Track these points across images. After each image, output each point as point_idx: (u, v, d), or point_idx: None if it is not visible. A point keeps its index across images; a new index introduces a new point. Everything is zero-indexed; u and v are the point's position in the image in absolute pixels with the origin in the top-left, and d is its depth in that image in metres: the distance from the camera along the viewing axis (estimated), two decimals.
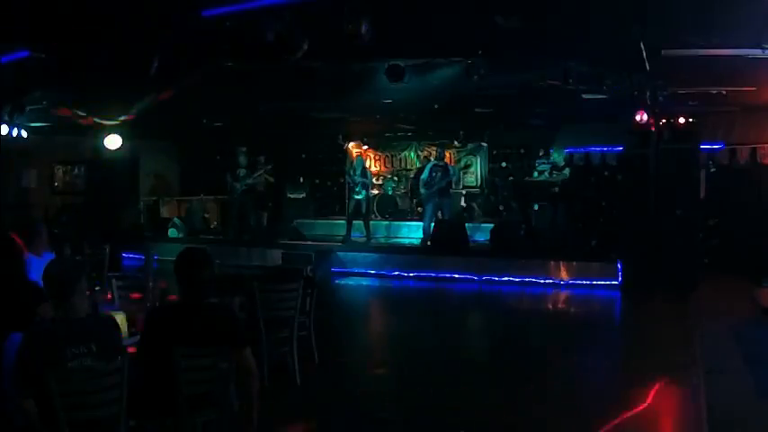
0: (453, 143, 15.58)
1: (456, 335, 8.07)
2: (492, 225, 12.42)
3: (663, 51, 7.25)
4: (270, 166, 13.57)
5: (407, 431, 4.92)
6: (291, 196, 15.79)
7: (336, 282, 11.50)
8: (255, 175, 13.31)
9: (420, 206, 13.95)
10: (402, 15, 6.28)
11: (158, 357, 3.47)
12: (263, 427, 3.52)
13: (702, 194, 11.13)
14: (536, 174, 12.10)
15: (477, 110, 12.23)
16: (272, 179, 13.58)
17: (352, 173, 13.03)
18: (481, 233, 13.26)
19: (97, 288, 5.52)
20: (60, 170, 15.44)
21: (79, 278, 3.32)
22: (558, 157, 11.87)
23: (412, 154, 16.35)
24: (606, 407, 5.26)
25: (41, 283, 3.41)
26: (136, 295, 5.60)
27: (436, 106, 11.72)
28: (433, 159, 13.17)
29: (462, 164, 15.05)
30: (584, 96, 9.04)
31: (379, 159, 16.79)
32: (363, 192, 12.67)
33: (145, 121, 12.40)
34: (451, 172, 12.86)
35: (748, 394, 5.43)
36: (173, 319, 3.56)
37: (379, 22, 5.89)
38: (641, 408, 5.25)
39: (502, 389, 5.82)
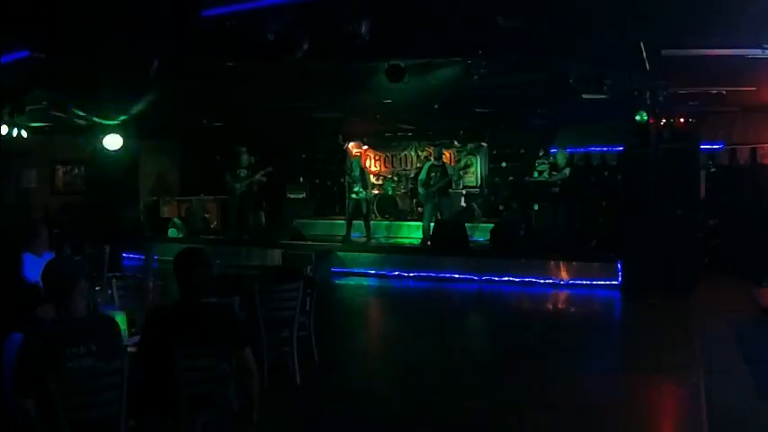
0: (453, 143, 15.57)
1: (456, 335, 8.07)
2: (492, 225, 12.42)
3: (663, 51, 7.24)
4: (270, 168, 13.54)
5: (407, 431, 4.92)
6: (291, 196, 15.78)
7: (336, 282, 11.51)
8: (258, 175, 13.30)
9: (420, 206, 13.96)
10: (402, 15, 6.28)
11: (158, 357, 3.47)
12: (262, 427, 3.52)
13: (702, 194, 11.12)
14: (536, 174, 12.11)
15: (477, 110, 12.23)
16: (264, 179, 13.52)
17: (349, 173, 13.02)
18: (481, 233, 13.26)
19: (97, 288, 5.51)
20: (60, 170, 15.44)
21: (79, 278, 3.32)
22: (561, 158, 11.87)
23: (412, 154, 16.34)
24: (606, 407, 5.27)
25: (41, 283, 3.40)
26: (136, 295, 5.61)
27: (436, 106, 11.71)
28: (431, 159, 13.18)
29: (462, 164, 15.05)
30: (584, 96, 9.03)
31: (379, 159, 16.78)
32: (362, 192, 12.67)
33: (145, 121, 12.41)
34: (450, 172, 12.87)
35: (748, 394, 5.43)
36: (173, 319, 3.56)
37: (379, 22, 5.89)
38: (641, 408, 5.26)
39: (502, 389, 5.82)
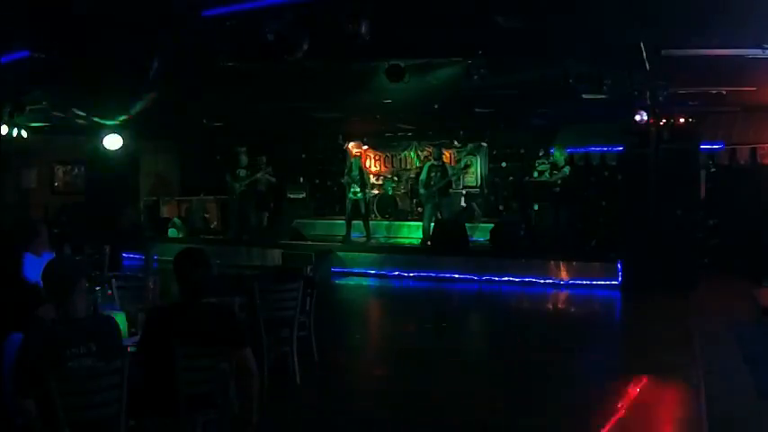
0: (453, 143, 15.58)
1: (456, 335, 8.08)
2: (492, 225, 12.42)
3: (663, 51, 7.24)
4: (269, 168, 13.55)
5: (407, 431, 4.92)
6: (291, 196, 15.78)
7: (336, 282, 11.50)
8: (258, 175, 13.30)
9: (420, 206, 13.96)
10: (402, 15, 6.28)
11: (158, 357, 3.47)
12: (262, 427, 3.52)
13: (702, 194, 11.12)
14: (536, 174, 12.12)
15: (477, 110, 12.23)
16: (273, 179, 13.58)
17: (348, 172, 13.01)
18: (481, 233, 13.26)
19: (97, 288, 5.51)
20: (60, 170, 15.44)
21: (79, 278, 3.32)
22: (559, 156, 11.87)
23: (412, 154, 16.33)
24: (606, 407, 5.27)
25: (41, 283, 3.40)
26: (136, 295, 5.60)
27: (436, 106, 11.71)
28: (431, 159, 13.17)
29: (462, 164, 15.05)
30: (584, 96, 9.03)
31: (379, 159, 16.78)
32: (359, 193, 12.65)
33: (145, 121, 12.41)
34: (450, 172, 12.87)
35: (748, 394, 5.43)
36: (172, 319, 3.56)
37: (379, 22, 5.89)
38: (641, 408, 5.25)
39: (501, 389, 5.82)
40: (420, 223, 12.96)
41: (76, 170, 15.54)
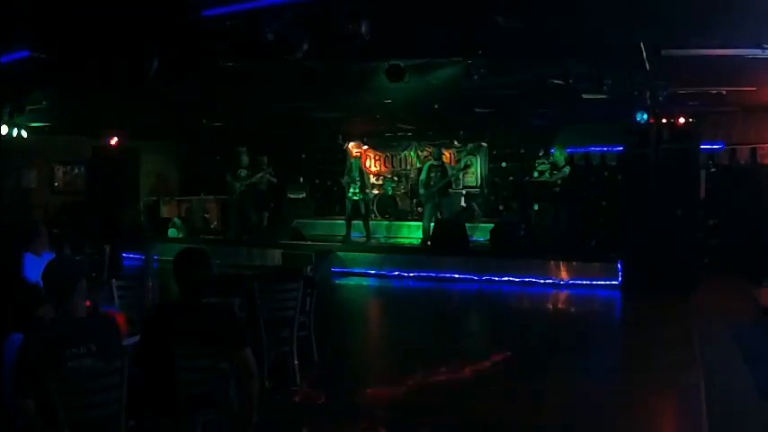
0: (453, 143, 15.59)
1: (456, 335, 8.07)
2: (492, 225, 12.42)
3: (663, 51, 7.24)
4: (270, 168, 13.56)
5: (407, 431, 4.92)
6: (291, 196, 15.78)
7: (336, 282, 11.50)
8: (258, 175, 13.31)
9: (420, 206, 13.97)
10: (402, 15, 6.28)
11: (158, 357, 3.47)
12: (262, 427, 3.52)
13: (702, 194, 11.12)
14: (536, 174, 12.12)
15: (477, 110, 12.23)
16: (274, 179, 13.59)
17: (348, 173, 13.02)
18: (481, 233, 13.26)
19: (97, 287, 5.52)
20: (60, 170, 15.45)
21: (79, 278, 3.32)
22: (559, 156, 11.87)
23: (412, 154, 16.35)
24: (606, 407, 5.27)
25: (41, 283, 3.40)
26: (136, 295, 5.61)
27: (436, 106, 11.72)
28: (431, 160, 13.18)
29: (462, 164, 15.06)
30: (584, 96, 9.04)
31: (379, 159, 16.78)
32: (359, 194, 12.65)
33: (145, 121, 12.43)
34: (450, 172, 12.87)
35: (748, 394, 5.43)
36: (172, 319, 3.56)
37: (379, 22, 5.89)
38: (641, 408, 5.26)
39: (501, 389, 5.82)
40: (420, 223, 12.96)
41: (76, 170, 15.55)
